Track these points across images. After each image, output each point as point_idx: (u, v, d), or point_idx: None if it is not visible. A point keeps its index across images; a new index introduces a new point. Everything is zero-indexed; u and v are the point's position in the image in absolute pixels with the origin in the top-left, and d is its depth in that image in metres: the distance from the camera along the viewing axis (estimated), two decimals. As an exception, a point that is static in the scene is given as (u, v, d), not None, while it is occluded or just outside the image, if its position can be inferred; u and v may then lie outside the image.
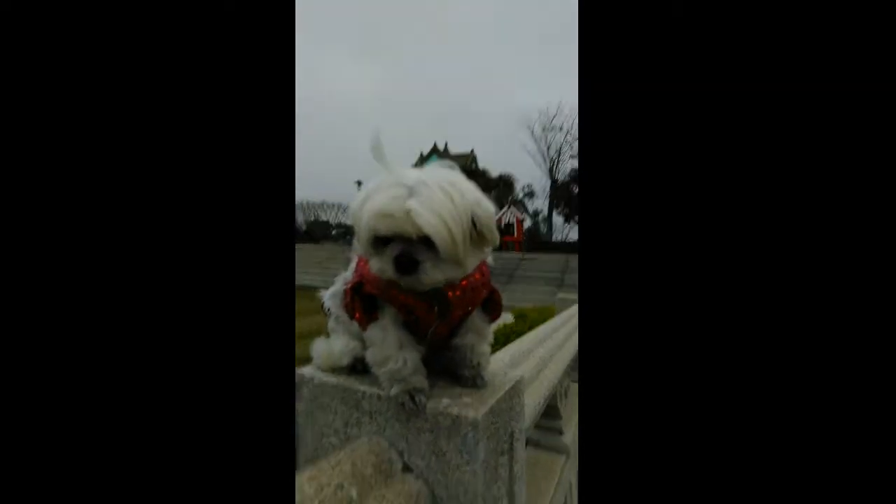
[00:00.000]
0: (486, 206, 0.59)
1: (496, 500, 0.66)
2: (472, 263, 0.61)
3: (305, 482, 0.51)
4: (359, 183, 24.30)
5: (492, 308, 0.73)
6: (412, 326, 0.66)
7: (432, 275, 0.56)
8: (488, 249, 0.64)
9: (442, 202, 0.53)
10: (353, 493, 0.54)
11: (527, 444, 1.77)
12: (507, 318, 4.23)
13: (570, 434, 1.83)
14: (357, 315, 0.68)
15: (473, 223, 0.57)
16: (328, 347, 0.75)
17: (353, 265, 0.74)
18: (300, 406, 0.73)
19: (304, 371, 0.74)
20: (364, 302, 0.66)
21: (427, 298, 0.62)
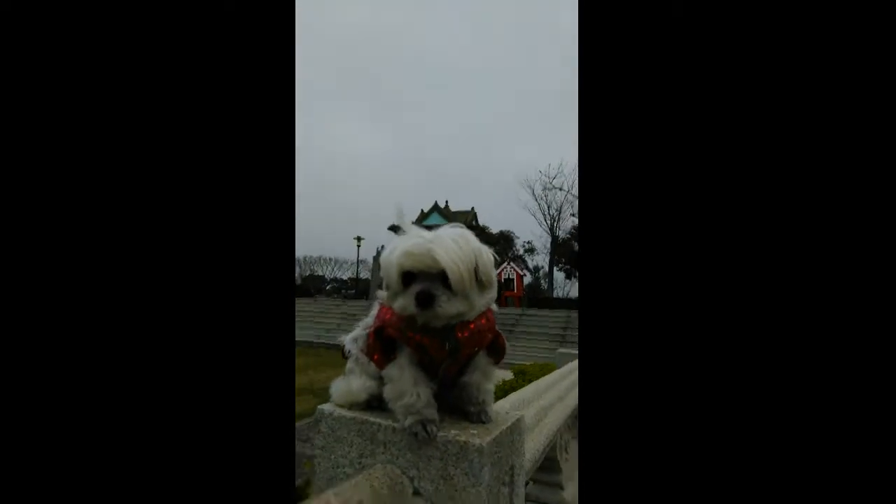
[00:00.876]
0: (486, 254, 0.74)
1: (499, 525, 0.71)
2: (478, 304, 0.73)
3: (332, 496, 0.58)
4: (358, 238, 24.73)
5: (496, 351, 0.83)
6: (425, 366, 0.76)
7: (446, 308, 0.69)
8: (491, 294, 0.76)
9: (452, 246, 0.69)
10: (371, 512, 0.61)
11: (527, 500, 1.76)
12: (506, 374, 4.19)
13: (571, 490, 1.81)
14: (376, 356, 0.78)
15: (477, 269, 0.71)
16: (347, 386, 0.84)
17: (374, 312, 0.85)
18: (318, 440, 0.80)
19: (323, 407, 0.82)
20: (384, 344, 0.77)
21: (439, 337, 0.73)
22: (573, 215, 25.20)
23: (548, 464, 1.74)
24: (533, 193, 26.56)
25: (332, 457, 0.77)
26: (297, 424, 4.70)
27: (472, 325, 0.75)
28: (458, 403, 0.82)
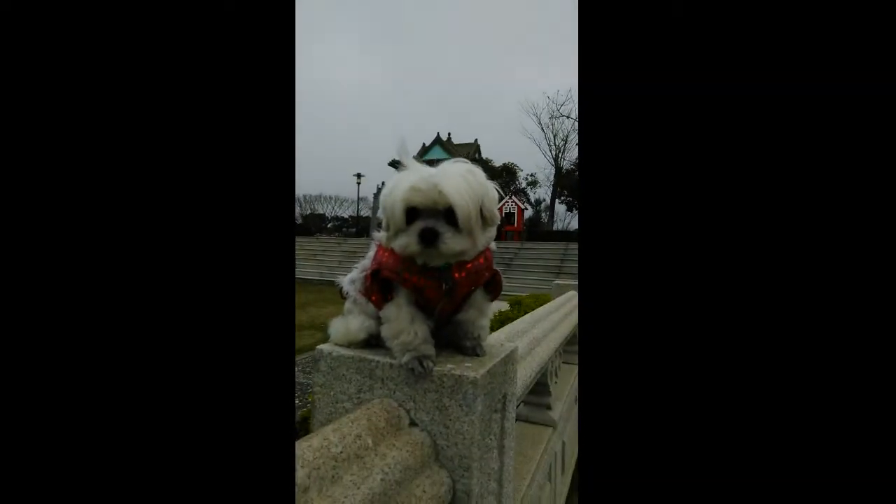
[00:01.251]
0: (492, 191, 0.72)
1: (489, 449, 0.77)
2: (481, 242, 0.72)
3: (330, 433, 0.62)
4: (358, 175, 24.21)
5: (493, 288, 0.84)
6: (422, 305, 0.77)
7: (451, 245, 0.67)
8: (492, 231, 0.75)
9: (461, 181, 0.67)
10: (370, 441, 0.65)
11: (518, 419, 1.91)
12: (502, 305, 4.34)
13: (558, 410, 1.96)
14: (374, 297, 0.79)
15: (483, 205, 0.69)
16: (345, 325, 0.86)
17: (371, 254, 0.84)
18: (318, 378, 0.84)
19: (322, 347, 0.85)
20: (381, 285, 0.77)
21: (436, 278, 0.73)
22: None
23: (539, 388, 1.87)
24: (539, 122, 25.47)
25: (332, 393, 0.81)
26: (301, 357, 4.97)
27: (469, 265, 0.75)
28: (453, 339, 0.84)
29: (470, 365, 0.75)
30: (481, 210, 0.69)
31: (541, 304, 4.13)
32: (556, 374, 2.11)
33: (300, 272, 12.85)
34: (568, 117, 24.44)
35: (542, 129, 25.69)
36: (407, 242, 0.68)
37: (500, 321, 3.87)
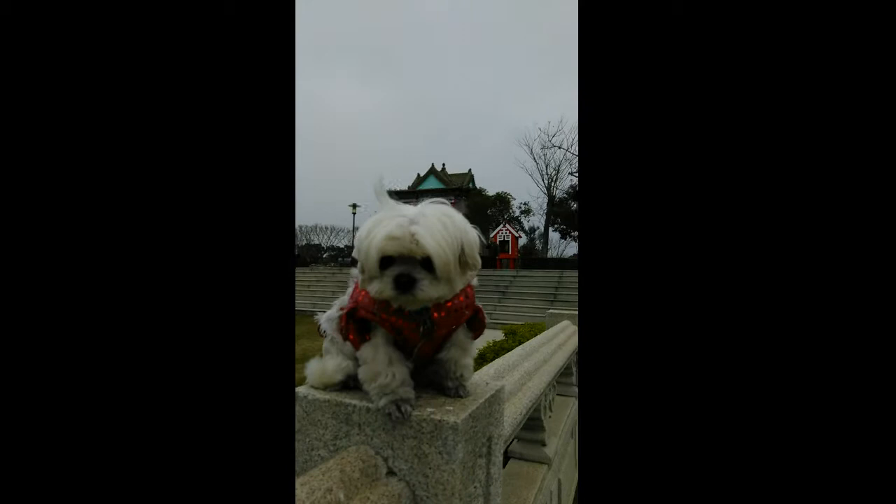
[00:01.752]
0: (471, 234, 0.69)
1: (473, 498, 0.72)
2: (459, 285, 0.70)
3: (298, 486, 0.57)
4: (354, 206, 24.39)
5: (476, 326, 0.81)
6: (401, 345, 0.74)
7: (428, 292, 0.65)
8: (472, 273, 0.73)
9: (438, 228, 0.64)
10: (341, 495, 0.60)
11: (510, 457, 1.83)
12: (497, 335, 4.28)
13: (553, 445, 1.88)
14: (351, 336, 0.76)
15: (462, 251, 0.67)
16: (321, 366, 0.82)
17: (350, 291, 0.82)
18: (294, 421, 0.80)
19: (298, 390, 0.81)
20: (357, 325, 0.74)
21: (414, 319, 0.70)
22: (572, 174, 24.91)
23: (532, 423, 1.80)
24: (531, 152, 26.04)
25: (307, 440, 0.77)
26: (295, 390, 4.82)
27: (448, 304, 0.72)
28: (435, 379, 0.81)
29: (451, 408, 0.72)
30: (461, 255, 0.67)
31: (535, 334, 4.08)
32: (550, 408, 2.04)
33: (296, 304, 12.69)
34: (559, 147, 25.06)
35: (535, 159, 26.29)
36: (381, 288, 0.66)
37: (495, 351, 3.81)
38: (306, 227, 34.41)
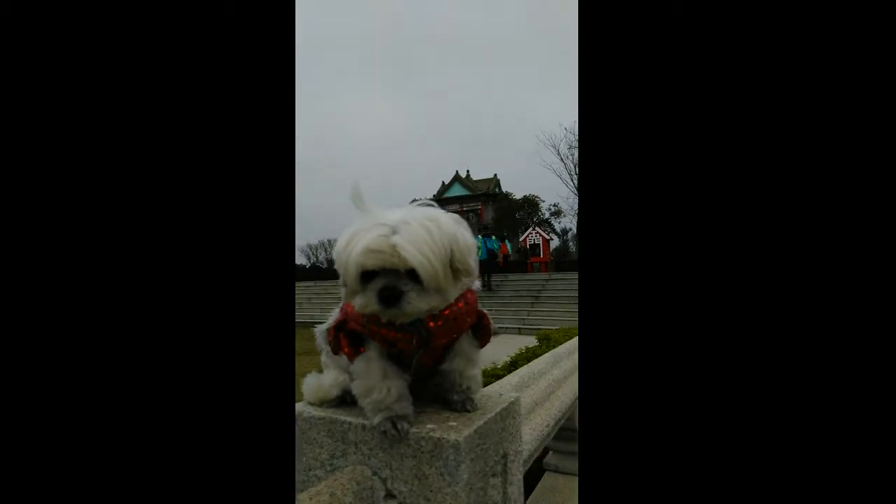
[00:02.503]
0: (463, 239, 0.62)
1: (482, 526, 0.64)
2: (453, 294, 0.63)
3: (283, 514, 0.52)
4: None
5: (481, 333, 0.74)
6: (396, 357, 0.68)
7: (417, 304, 0.59)
8: (467, 280, 0.66)
9: (423, 237, 0.57)
10: (334, 523, 0.55)
11: (546, 470, 1.71)
12: (530, 341, 4.13)
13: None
14: (345, 349, 0.70)
15: (452, 258, 0.60)
16: (318, 381, 0.77)
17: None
18: (294, 440, 0.75)
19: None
20: (350, 337, 0.69)
21: (408, 330, 0.64)
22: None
23: (566, 433, 1.68)
24: (558, 153, 25.56)
25: (304, 459, 0.72)
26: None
27: (446, 312, 0.65)
28: (440, 392, 0.74)
29: (454, 424, 0.65)
30: (452, 262, 0.60)
31: (569, 338, 3.90)
32: (587, 417, 1.91)
33: (302, 316, 12.96)
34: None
35: (562, 159, 25.76)
36: (365, 303, 0.60)
37: (527, 358, 3.67)
38: (335, 240, 35.40)
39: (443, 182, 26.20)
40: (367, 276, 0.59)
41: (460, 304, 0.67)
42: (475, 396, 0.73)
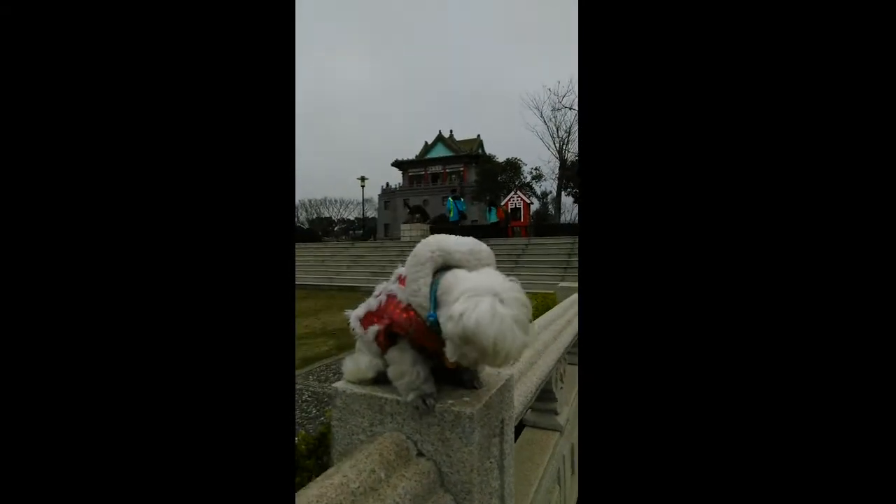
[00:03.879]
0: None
1: (489, 472, 0.87)
2: None
3: (349, 468, 0.72)
4: (362, 178, 24.35)
5: None
6: (420, 349, 0.87)
7: None
8: None
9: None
10: (382, 474, 0.75)
11: (525, 425, 1.99)
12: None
13: (564, 414, 2.05)
14: (380, 338, 0.87)
15: None
16: (355, 364, 0.96)
17: (381, 298, 0.90)
18: (335, 413, 0.94)
19: (337, 385, 0.95)
20: (389, 337, 0.87)
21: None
22: (584, 135, 24.07)
23: (545, 394, 1.95)
24: (541, 115, 25.23)
25: (347, 426, 0.91)
26: (317, 366, 5.11)
27: None
28: (452, 374, 0.94)
29: (468, 399, 0.85)
30: None
31: (547, 306, 4.19)
32: (562, 380, 2.19)
33: (310, 279, 13.07)
34: (570, 108, 24.23)
35: (545, 122, 25.52)
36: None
37: (508, 324, 3.96)
38: (316, 200, 34.66)
39: (426, 142, 25.67)
40: None
41: None
42: (480, 375, 0.93)
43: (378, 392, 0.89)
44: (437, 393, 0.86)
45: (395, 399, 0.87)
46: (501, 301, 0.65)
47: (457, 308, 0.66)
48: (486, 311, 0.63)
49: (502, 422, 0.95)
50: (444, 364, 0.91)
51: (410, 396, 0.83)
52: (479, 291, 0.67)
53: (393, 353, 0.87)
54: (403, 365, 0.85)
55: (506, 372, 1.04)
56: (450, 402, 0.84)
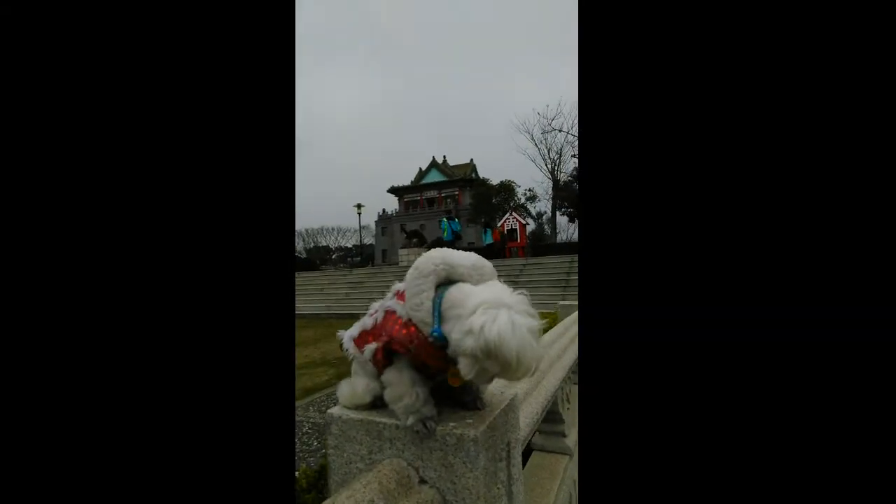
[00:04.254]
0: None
1: (496, 499, 0.81)
2: None
3: (345, 499, 0.67)
4: (359, 206, 24.55)
5: None
6: (419, 368, 0.83)
7: None
8: None
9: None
10: (383, 504, 0.70)
11: (532, 450, 1.92)
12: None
13: (573, 436, 1.97)
14: (378, 356, 0.83)
15: None
16: (351, 388, 0.91)
17: (377, 316, 0.87)
18: (330, 440, 0.89)
19: (332, 411, 0.90)
20: (385, 352, 0.83)
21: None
22: (574, 156, 24.69)
23: (551, 416, 1.89)
24: (532, 138, 25.87)
25: (345, 454, 0.86)
26: (317, 396, 4.99)
27: None
28: (453, 393, 0.90)
29: (471, 421, 0.80)
30: None
31: (548, 324, 4.13)
32: (569, 400, 2.12)
33: (309, 308, 12.93)
34: (560, 130, 24.82)
35: (536, 144, 26.14)
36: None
37: (510, 345, 3.89)
38: (312, 229, 34.83)
39: (420, 168, 26.05)
40: None
41: None
42: (483, 396, 0.89)
43: (376, 417, 0.85)
44: (437, 415, 0.81)
45: (393, 424, 0.82)
46: (516, 313, 0.64)
47: (476, 321, 0.63)
48: (506, 322, 0.61)
49: (508, 444, 0.90)
50: (445, 383, 0.87)
51: (410, 420, 0.79)
52: (494, 304, 0.65)
53: (390, 375, 0.83)
54: (401, 387, 0.81)
55: (508, 391, 0.99)
56: (451, 424, 0.80)
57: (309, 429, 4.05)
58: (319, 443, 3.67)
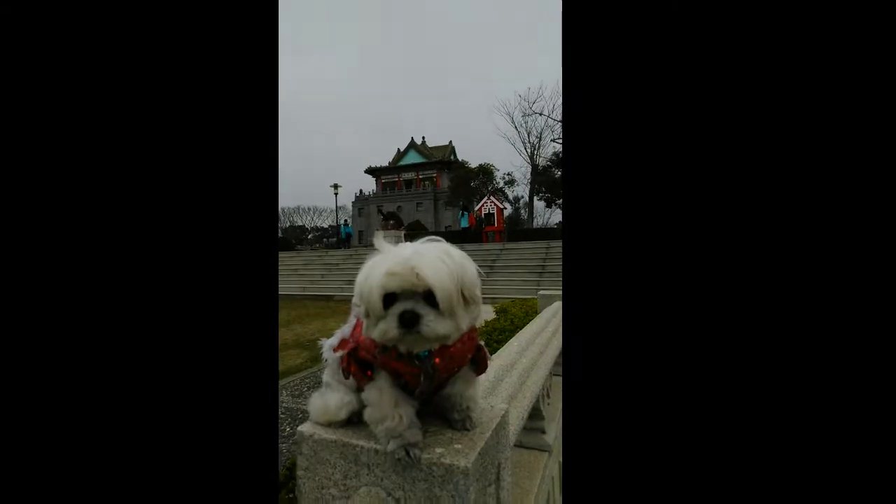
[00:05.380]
0: (470, 270, 0.68)
1: (487, 535, 0.73)
2: (464, 322, 0.68)
3: (316, 546, 0.57)
4: (335, 186, 23.93)
5: (479, 363, 0.80)
6: (402, 385, 0.73)
7: (433, 327, 0.64)
8: (475, 309, 0.71)
9: (437, 262, 0.64)
10: (359, 547, 0.60)
11: (512, 446, 1.87)
12: (488, 313, 4.34)
13: (552, 432, 1.94)
14: (353, 371, 0.74)
15: (462, 286, 0.66)
16: (324, 403, 0.81)
17: (352, 321, 0.80)
18: (301, 461, 0.79)
19: (303, 428, 0.80)
20: (359, 363, 0.73)
21: (416, 365, 0.69)
22: (554, 141, 24.73)
23: (531, 412, 1.84)
24: (512, 121, 25.73)
25: (316, 478, 0.76)
26: (290, 379, 4.85)
27: (451, 349, 0.71)
28: (441, 411, 0.80)
29: (459, 447, 0.71)
30: (462, 291, 0.66)
31: (527, 311, 4.12)
32: (549, 395, 2.09)
33: (283, 288, 12.59)
34: (540, 114, 24.70)
35: (516, 127, 26.08)
36: (386, 328, 0.64)
37: (488, 333, 3.86)
38: (289, 208, 33.99)
39: (398, 149, 25.54)
40: (387, 302, 0.64)
41: (462, 341, 0.73)
42: (473, 415, 0.80)
43: (352, 439, 0.75)
44: (423, 442, 0.72)
45: (372, 447, 0.72)
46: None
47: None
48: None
49: (499, 466, 0.82)
50: (427, 397, 0.78)
51: (391, 446, 0.69)
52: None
53: (371, 393, 0.72)
54: (383, 408, 0.71)
55: (500, 406, 0.91)
56: (438, 451, 0.70)
57: (281, 413, 3.94)
58: (292, 428, 3.58)
